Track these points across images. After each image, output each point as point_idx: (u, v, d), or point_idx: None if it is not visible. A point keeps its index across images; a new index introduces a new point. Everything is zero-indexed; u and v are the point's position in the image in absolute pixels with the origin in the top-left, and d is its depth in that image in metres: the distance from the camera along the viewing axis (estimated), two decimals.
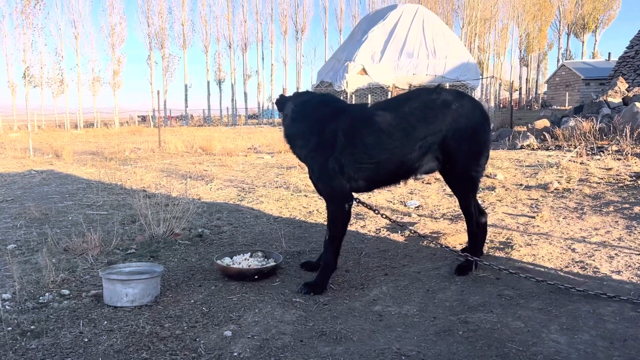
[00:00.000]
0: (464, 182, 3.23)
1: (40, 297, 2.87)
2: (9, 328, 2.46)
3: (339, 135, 3.00)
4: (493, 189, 5.98)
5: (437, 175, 3.55)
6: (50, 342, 2.34)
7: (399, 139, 3.00)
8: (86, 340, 2.36)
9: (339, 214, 3.06)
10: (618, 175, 6.28)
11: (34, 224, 4.80)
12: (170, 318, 2.61)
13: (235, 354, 2.22)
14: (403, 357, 2.17)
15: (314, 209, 5.30)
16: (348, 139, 2.99)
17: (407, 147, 3.01)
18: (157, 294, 2.88)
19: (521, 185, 6.12)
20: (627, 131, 8.56)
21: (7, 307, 2.72)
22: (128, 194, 6.27)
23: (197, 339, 2.37)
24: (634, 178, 5.95)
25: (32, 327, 2.49)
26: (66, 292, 2.97)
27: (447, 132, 3.04)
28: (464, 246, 3.79)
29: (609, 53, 38.25)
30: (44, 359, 2.19)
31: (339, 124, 3.03)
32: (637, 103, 10.14)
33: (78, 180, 7.92)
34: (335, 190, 3.03)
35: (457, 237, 4.06)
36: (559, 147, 9.62)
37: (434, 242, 3.70)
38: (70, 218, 5.07)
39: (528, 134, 10.95)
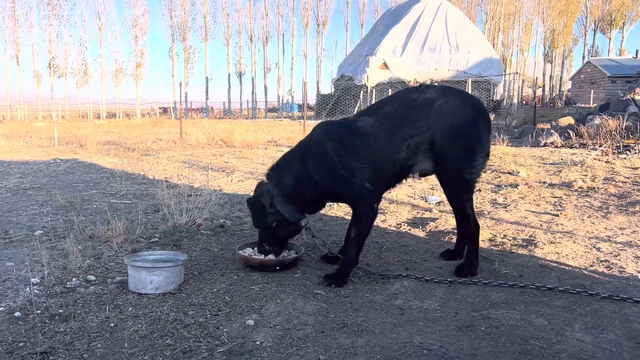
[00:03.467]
0: (457, 184, 3.10)
1: (68, 282, 2.93)
2: (38, 311, 2.52)
3: (328, 149, 3.00)
4: (516, 186, 5.91)
5: None
6: (78, 325, 2.40)
7: (385, 140, 2.98)
8: (112, 325, 2.41)
9: (368, 214, 3.06)
10: None
11: (60, 211, 4.90)
12: (193, 306, 2.65)
13: (258, 342, 2.25)
14: (425, 351, 2.17)
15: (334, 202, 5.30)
16: (341, 147, 2.99)
17: (394, 147, 2.98)
18: (181, 282, 2.92)
19: (544, 182, 6.04)
20: None
21: (35, 290, 2.79)
22: (151, 184, 6.35)
23: (220, 327, 2.40)
24: None
25: (60, 310, 2.54)
26: (92, 278, 3.03)
27: (434, 130, 2.98)
28: (486, 242, 3.76)
29: (637, 50, 37.50)
30: (71, 342, 2.24)
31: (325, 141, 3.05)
32: None
33: (102, 169, 8.06)
34: (360, 192, 3.01)
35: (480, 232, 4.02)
36: (583, 145, 9.45)
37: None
38: (94, 206, 5.16)
39: (552, 131, 10.79)
